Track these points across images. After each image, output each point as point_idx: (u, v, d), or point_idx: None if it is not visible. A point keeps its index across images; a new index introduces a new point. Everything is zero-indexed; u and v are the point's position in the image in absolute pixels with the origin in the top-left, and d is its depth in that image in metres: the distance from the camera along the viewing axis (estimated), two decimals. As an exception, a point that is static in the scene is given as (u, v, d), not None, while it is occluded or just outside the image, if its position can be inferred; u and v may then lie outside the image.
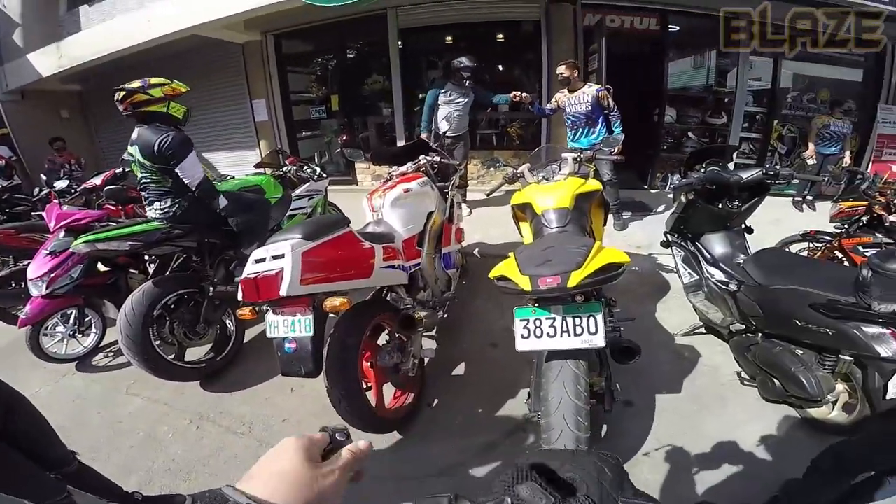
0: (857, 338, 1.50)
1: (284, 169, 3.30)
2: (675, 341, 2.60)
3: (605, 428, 1.94)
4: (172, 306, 2.39)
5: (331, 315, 1.75)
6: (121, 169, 3.91)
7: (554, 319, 1.41)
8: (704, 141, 5.99)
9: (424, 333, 2.54)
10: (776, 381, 1.83)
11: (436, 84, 4.51)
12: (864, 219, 2.95)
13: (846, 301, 1.55)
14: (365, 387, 1.83)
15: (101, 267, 2.76)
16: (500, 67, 6.52)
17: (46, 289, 2.43)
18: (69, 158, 6.66)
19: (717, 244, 2.41)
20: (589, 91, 4.08)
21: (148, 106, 2.34)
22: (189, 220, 2.43)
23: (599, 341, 1.37)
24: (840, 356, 1.66)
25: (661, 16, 5.65)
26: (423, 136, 4.55)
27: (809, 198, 5.05)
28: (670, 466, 1.75)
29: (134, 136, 2.37)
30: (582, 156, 2.42)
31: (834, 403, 1.78)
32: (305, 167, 3.41)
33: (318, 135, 7.20)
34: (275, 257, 1.52)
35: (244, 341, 2.64)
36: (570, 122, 4.25)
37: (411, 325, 1.94)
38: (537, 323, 1.43)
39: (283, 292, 1.46)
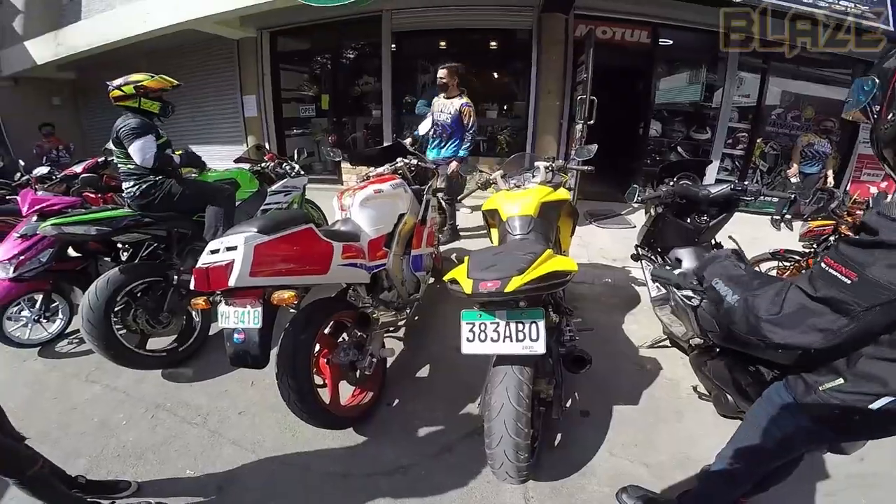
0: None
1: (263, 165, 3.31)
2: (638, 353, 2.62)
3: (559, 436, 1.95)
4: (138, 294, 2.39)
5: (290, 309, 1.76)
6: (103, 158, 3.91)
7: (498, 324, 1.43)
8: (688, 156, 6.06)
9: (390, 334, 2.55)
10: (729, 397, 1.81)
11: (425, 94, 4.40)
12: (832, 238, 2.98)
13: None
14: (321, 382, 1.84)
15: (73, 252, 2.73)
16: (493, 75, 6.53)
17: (14, 272, 2.41)
18: (57, 144, 6.66)
19: (685, 259, 2.42)
20: (456, 103, 3.84)
21: (122, 101, 2.51)
22: (150, 200, 2.51)
23: (539, 348, 1.39)
24: None
25: (652, 29, 5.68)
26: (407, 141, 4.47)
27: (788, 217, 5.12)
28: (619, 478, 1.75)
29: None
30: (554, 165, 2.45)
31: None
32: (284, 164, 3.42)
33: (308, 133, 7.20)
34: (228, 248, 1.53)
35: (210, 333, 2.63)
36: (435, 129, 4.01)
37: (367, 323, 1.95)
38: (482, 327, 1.44)
39: (231, 283, 1.47)
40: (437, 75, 3.90)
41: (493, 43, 6.16)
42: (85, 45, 6.61)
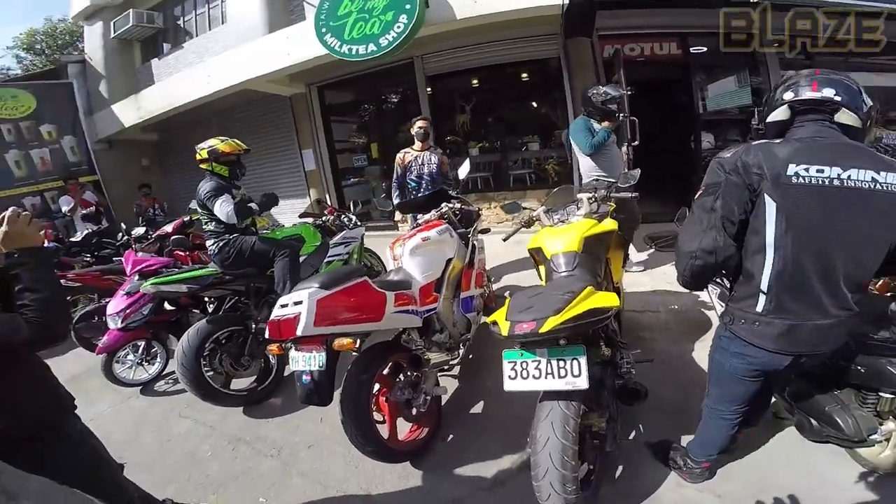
0: (892, 375, 1.46)
1: (324, 218, 3.63)
2: (711, 381, 2.50)
3: (619, 468, 1.92)
4: (223, 341, 2.73)
5: (353, 353, 1.93)
6: (188, 217, 4.46)
7: (539, 362, 1.48)
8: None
9: (445, 372, 2.62)
10: (812, 421, 1.73)
11: (581, 123, 3.48)
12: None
13: (879, 336, 1.52)
14: (380, 419, 1.98)
15: (168, 306, 3.19)
16: (531, 106, 6.64)
17: (121, 323, 2.86)
18: (153, 203, 7.46)
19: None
20: (435, 154, 3.72)
21: (202, 164, 2.93)
22: (225, 257, 2.85)
23: (582, 383, 1.41)
24: (881, 393, 1.56)
25: (681, 39, 5.55)
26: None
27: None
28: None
29: None
30: (597, 195, 2.38)
31: (888, 441, 1.60)
32: (342, 216, 3.73)
33: (364, 181, 7.58)
34: (296, 303, 1.75)
35: (285, 374, 2.88)
36: (412, 184, 3.71)
37: (419, 363, 2.10)
38: (523, 365, 1.51)
39: (299, 332, 1.68)
40: (419, 125, 3.71)
41: (525, 75, 6.25)
42: (160, 108, 7.25)
